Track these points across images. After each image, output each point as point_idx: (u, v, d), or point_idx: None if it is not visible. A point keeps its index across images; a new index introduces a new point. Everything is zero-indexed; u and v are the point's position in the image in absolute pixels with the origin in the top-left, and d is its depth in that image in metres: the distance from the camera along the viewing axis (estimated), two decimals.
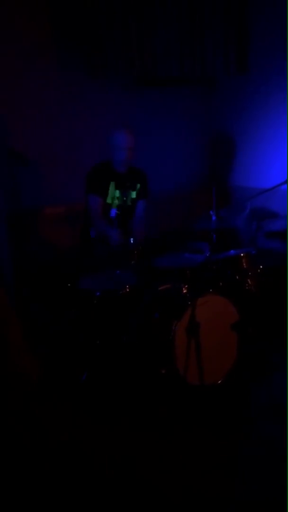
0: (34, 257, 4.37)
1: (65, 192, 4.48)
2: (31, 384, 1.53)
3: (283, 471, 2.32)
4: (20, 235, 4.14)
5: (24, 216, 4.22)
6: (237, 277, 3.14)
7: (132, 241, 3.28)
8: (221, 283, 3.21)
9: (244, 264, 3.22)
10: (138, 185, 3.83)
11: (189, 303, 2.86)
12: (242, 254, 3.24)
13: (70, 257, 4.23)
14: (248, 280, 3.20)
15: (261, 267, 3.34)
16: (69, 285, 3.38)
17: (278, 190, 4.29)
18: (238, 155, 5.29)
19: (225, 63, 4.82)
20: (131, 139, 3.66)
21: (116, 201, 3.74)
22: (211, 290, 3.14)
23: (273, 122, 4.80)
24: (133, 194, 3.81)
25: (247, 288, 3.17)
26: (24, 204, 4.19)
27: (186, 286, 3.06)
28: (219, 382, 2.96)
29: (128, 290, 3.14)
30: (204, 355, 2.84)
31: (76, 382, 3.19)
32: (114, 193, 3.72)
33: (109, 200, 3.72)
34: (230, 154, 5.40)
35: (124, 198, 3.75)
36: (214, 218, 3.92)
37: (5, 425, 2.77)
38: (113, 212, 3.48)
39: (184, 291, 3.02)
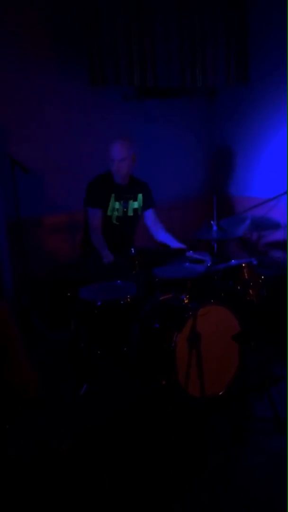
0: (35, 266, 4.37)
1: (66, 201, 4.49)
2: (30, 396, 1.51)
3: (284, 484, 2.30)
4: (21, 245, 4.14)
5: (25, 226, 4.22)
6: (239, 287, 3.12)
7: (133, 251, 3.28)
8: (222, 294, 3.20)
9: (246, 274, 3.20)
10: (140, 195, 3.82)
11: (190, 313, 2.85)
12: (243, 264, 3.22)
13: (71, 267, 4.23)
14: (250, 290, 3.17)
15: (262, 277, 3.32)
16: (69, 294, 3.35)
17: (279, 200, 4.30)
18: (239, 165, 5.30)
19: (226, 74, 4.84)
20: (123, 151, 3.65)
21: (116, 213, 3.73)
22: (212, 300, 3.13)
23: (274, 132, 4.82)
24: (135, 204, 3.81)
25: (248, 298, 3.15)
26: (24, 214, 4.19)
27: (187, 296, 3.04)
28: (220, 393, 2.94)
29: (129, 300, 3.12)
30: (205, 366, 2.83)
31: (75, 393, 3.18)
32: (114, 205, 3.72)
33: (109, 213, 3.72)
34: (231, 164, 5.41)
35: (125, 209, 3.75)
36: (215, 228, 3.92)
37: (5, 438, 2.74)
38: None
39: (185, 302, 3.00)
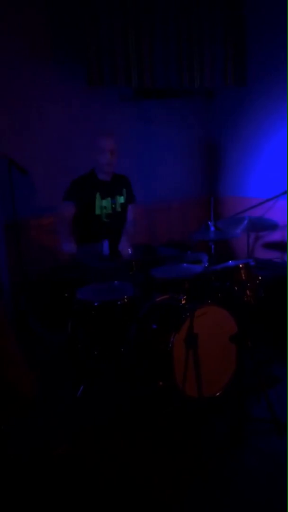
0: (32, 267, 4.36)
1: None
2: (26, 397, 1.50)
3: (283, 485, 2.29)
4: (18, 246, 4.13)
5: (22, 226, 4.21)
6: (236, 288, 3.12)
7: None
8: (219, 294, 3.19)
9: (243, 275, 3.20)
10: (124, 190, 3.81)
11: (188, 314, 2.84)
12: (240, 265, 3.22)
13: (68, 267, 4.21)
14: (247, 291, 3.17)
15: (260, 278, 3.32)
16: (66, 295, 3.35)
17: (276, 201, 4.30)
18: (237, 166, 5.30)
19: (223, 76, 4.85)
20: (114, 143, 3.66)
21: (105, 211, 3.71)
22: (209, 301, 3.12)
23: (271, 133, 4.82)
24: (121, 199, 3.79)
25: (245, 299, 3.15)
26: (22, 214, 4.18)
27: (185, 297, 3.04)
28: (218, 394, 2.93)
29: (126, 300, 3.12)
30: (202, 367, 2.82)
31: (73, 395, 3.17)
32: (101, 203, 3.69)
33: (97, 211, 3.68)
34: (228, 165, 5.41)
35: (113, 206, 3.74)
36: (212, 228, 3.92)
37: (2, 438, 2.74)
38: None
39: (183, 302, 3.00)
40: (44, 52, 4.34)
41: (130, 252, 3.24)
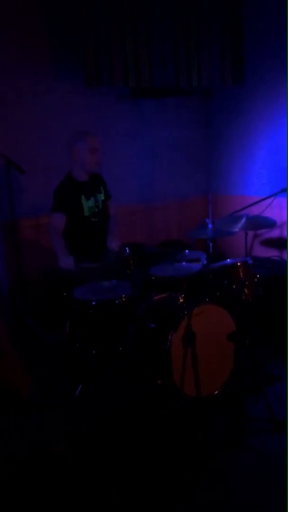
0: (30, 267, 4.35)
1: None
2: (21, 395, 1.50)
3: (283, 484, 2.28)
4: (16, 246, 4.12)
5: (20, 227, 4.20)
6: (234, 287, 3.11)
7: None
8: (217, 293, 3.18)
9: (241, 273, 3.19)
10: (101, 188, 3.83)
11: (185, 313, 2.83)
12: (239, 263, 3.21)
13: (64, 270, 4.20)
14: (245, 289, 3.16)
15: (258, 276, 3.31)
16: (64, 294, 3.34)
17: (274, 199, 4.30)
18: (235, 165, 5.30)
19: (221, 74, 4.84)
20: (100, 142, 3.69)
21: (92, 210, 3.71)
22: (207, 299, 3.12)
23: (269, 131, 4.81)
24: (102, 196, 3.81)
25: (244, 297, 3.14)
26: (19, 214, 4.17)
27: (183, 295, 3.03)
28: (216, 392, 2.93)
29: (124, 299, 3.11)
30: (200, 365, 2.81)
31: (71, 394, 3.17)
32: (87, 204, 3.69)
33: (86, 213, 3.67)
34: (226, 163, 5.41)
35: (97, 204, 3.75)
36: (210, 226, 3.92)
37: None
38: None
39: (181, 301, 2.99)
40: (41, 53, 4.33)
41: (117, 248, 3.24)
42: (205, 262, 3.74)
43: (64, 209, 3.62)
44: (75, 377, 3.27)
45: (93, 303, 3.10)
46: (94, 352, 3.13)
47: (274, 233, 4.79)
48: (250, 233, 4.94)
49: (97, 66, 4.17)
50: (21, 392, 1.45)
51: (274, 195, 4.27)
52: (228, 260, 3.34)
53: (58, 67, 4.41)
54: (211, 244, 4.10)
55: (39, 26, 4.28)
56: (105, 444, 2.73)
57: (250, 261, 3.27)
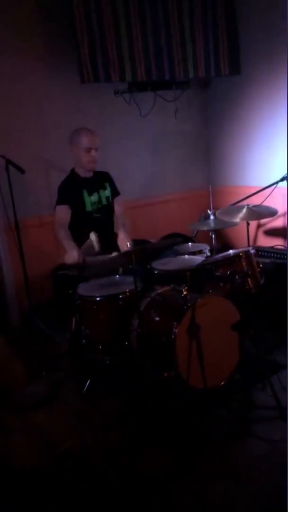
0: (34, 266, 4.37)
1: None
2: (18, 392, 1.52)
3: None
4: (20, 245, 4.14)
5: (23, 226, 4.21)
6: (237, 277, 3.11)
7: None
8: (221, 284, 3.18)
9: (244, 264, 3.19)
10: (107, 184, 3.85)
11: (189, 305, 2.84)
12: (241, 254, 3.21)
13: (71, 264, 4.22)
14: (248, 279, 3.16)
15: (261, 265, 3.31)
16: (70, 292, 3.35)
17: (275, 187, 4.28)
18: (235, 155, 5.29)
19: (217, 64, 4.83)
20: (97, 139, 3.71)
21: (95, 206, 3.75)
22: (210, 291, 3.12)
23: (268, 118, 4.79)
24: (106, 193, 3.83)
25: (247, 287, 3.14)
26: (22, 214, 4.19)
27: (186, 288, 3.03)
28: (222, 384, 2.93)
29: (128, 294, 3.12)
30: (206, 357, 2.83)
31: (79, 390, 3.19)
32: (90, 200, 3.73)
33: (88, 208, 3.72)
34: (226, 154, 5.40)
35: (100, 200, 3.78)
36: (212, 217, 3.92)
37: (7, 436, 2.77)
38: (93, 236, 3.40)
39: (184, 293, 2.99)
40: (37, 51, 4.34)
41: (129, 245, 3.24)
42: (208, 254, 3.74)
43: (67, 202, 3.67)
44: (82, 373, 3.29)
45: (97, 298, 3.12)
46: (100, 347, 3.15)
47: (278, 223, 4.78)
48: (254, 223, 4.94)
49: (92, 63, 4.18)
50: (15, 385, 1.46)
51: (275, 183, 4.25)
52: (231, 251, 3.33)
53: (54, 65, 4.41)
54: (213, 236, 4.10)
55: (33, 24, 4.29)
56: (113, 438, 2.74)
57: (252, 251, 3.27)
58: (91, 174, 3.81)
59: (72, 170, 3.83)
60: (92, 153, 3.67)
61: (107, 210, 3.83)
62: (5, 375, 1.41)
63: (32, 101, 4.37)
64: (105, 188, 3.83)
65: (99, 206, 3.78)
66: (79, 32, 4.08)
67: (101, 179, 3.85)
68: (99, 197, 3.78)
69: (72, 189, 3.72)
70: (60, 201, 3.71)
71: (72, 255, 3.36)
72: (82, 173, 3.79)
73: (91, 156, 3.67)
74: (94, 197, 3.75)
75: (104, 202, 3.81)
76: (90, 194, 3.73)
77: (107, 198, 3.83)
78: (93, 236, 3.35)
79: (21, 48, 4.25)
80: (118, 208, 3.91)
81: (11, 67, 4.23)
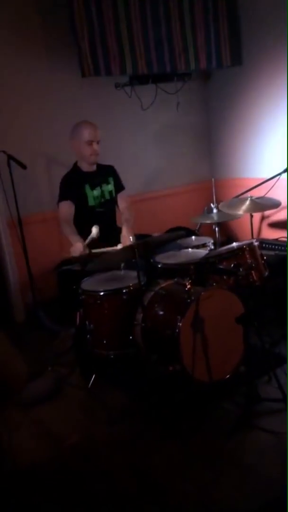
0: (38, 262, 4.37)
1: None
2: (18, 387, 1.51)
3: None
4: (23, 241, 4.13)
5: (26, 222, 4.20)
6: (241, 270, 3.09)
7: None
8: (224, 277, 3.17)
9: (248, 256, 3.18)
10: (111, 178, 3.82)
11: (193, 298, 2.83)
12: (245, 246, 3.20)
13: (75, 260, 4.22)
14: (252, 272, 3.15)
15: (265, 258, 3.29)
16: (74, 287, 3.35)
17: (278, 179, 4.26)
18: (237, 147, 5.26)
19: (219, 55, 4.79)
20: (98, 132, 3.67)
21: (97, 200, 3.72)
22: (214, 284, 3.12)
23: (270, 109, 4.76)
24: (109, 187, 3.80)
25: (251, 280, 3.13)
26: (25, 210, 4.18)
27: (190, 281, 3.03)
28: (227, 377, 2.93)
29: (132, 288, 3.12)
30: (210, 350, 2.82)
31: (84, 385, 3.20)
32: (92, 194, 3.70)
33: (91, 203, 3.69)
34: (229, 146, 5.37)
35: (103, 194, 3.76)
36: (215, 210, 3.90)
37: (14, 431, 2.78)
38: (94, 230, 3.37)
39: (188, 287, 2.99)
40: (36, 46, 4.32)
41: (132, 240, 3.24)
42: (212, 247, 3.73)
43: (70, 197, 3.64)
44: (87, 368, 3.29)
45: (101, 293, 3.11)
46: (104, 342, 3.15)
47: (282, 215, 4.76)
48: (258, 216, 4.92)
49: (92, 56, 4.15)
50: (15, 380, 1.45)
51: (278, 175, 4.22)
52: (234, 243, 3.32)
53: (54, 60, 4.40)
54: (216, 229, 4.09)
55: (33, 19, 4.27)
56: (119, 432, 2.75)
57: (256, 243, 3.25)
58: (94, 168, 3.78)
59: (75, 164, 3.80)
60: (93, 146, 3.63)
61: (110, 204, 3.81)
62: (5, 370, 1.41)
63: (32, 96, 4.35)
64: (108, 183, 3.81)
65: (102, 200, 3.75)
66: (78, 25, 4.06)
67: (105, 173, 3.82)
68: (102, 192, 3.76)
69: (74, 183, 3.70)
70: (62, 197, 3.68)
71: (77, 247, 3.34)
72: (85, 167, 3.76)
73: (92, 149, 3.63)
74: (96, 192, 3.73)
75: (107, 196, 3.79)
76: (92, 188, 3.71)
77: (110, 192, 3.81)
78: (95, 230, 3.33)
79: (20, 42, 4.23)
80: (122, 203, 3.88)
81: (11, 62, 4.22)
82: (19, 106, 4.30)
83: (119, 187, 3.88)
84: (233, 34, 4.81)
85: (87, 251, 3.31)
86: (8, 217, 4.21)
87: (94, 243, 3.41)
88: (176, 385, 2.97)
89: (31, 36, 4.28)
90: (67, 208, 3.65)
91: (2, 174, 4.03)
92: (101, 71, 4.23)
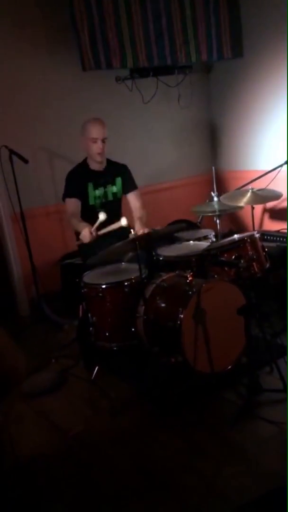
0: (41, 256, 4.40)
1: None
2: (17, 379, 1.53)
3: None
4: (26, 235, 4.16)
5: (28, 216, 4.23)
6: (242, 261, 3.11)
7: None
8: (226, 269, 3.19)
9: (249, 248, 3.19)
10: (119, 179, 3.73)
11: (194, 290, 2.85)
12: (246, 238, 3.21)
13: (77, 253, 4.25)
14: (254, 263, 3.16)
15: (266, 249, 3.31)
16: (77, 280, 3.38)
17: (280, 171, 4.26)
18: (238, 139, 5.25)
19: (220, 48, 4.78)
20: (105, 130, 3.59)
21: (98, 200, 3.67)
22: (216, 276, 3.13)
23: (272, 102, 4.75)
24: (114, 189, 3.73)
25: (252, 272, 3.14)
26: (27, 204, 4.20)
27: (191, 273, 3.04)
28: (229, 368, 2.95)
29: (133, 281, 3.14)
30: (212, 342, 2.84)
31: (87, 377, 3.23)
32: (94, 194, 3.65)
33: (91, 202, 3.65)
34: (229, 138, 5.37)
35: (105, 195, 3.70)
36: (215, 199, 3.90)
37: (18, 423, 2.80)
38: (102, 216, 3.33)
39: (189, 279, 3.00)
40: (37, 41, 4.32)
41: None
42: (213, 239, 3.74)
43: (76, 194, 3.61)
44: (90, 360, 3.32)
45: (103, 286, 3.13)
46: (107, 334, 3.17)
47: (283, 206, 4.76)
48: (259, 208, 4.92)
49: (93, 50, 4.15)
50: (14, 373, 1.47)
51: (279, 166, 4.23)
52: (236, 235, 3.33)
53: (54, 54, 4.40)
54: (218, 221, 4.09)
55: (33, 13, 4.27)
56: (121, 424, 2.77)
57: (257, 235, 3.26)
58: (102, 167, 3.70)
59: (84, 160, 3.73)
60: (98, 144, 3.55)
61: (111, 206, 3.72)
62: (4, 363, 1.42)
63: (33, 90, 4.36)
64: (114, 184, 3.73)
65: (103, 201, 3.70)
66: (78, 19, 4.06)
67: (113, 174, 3.73)
68: (105, 192, 3.70)
69: (78, 179, 3.65)
70: (67, 194, 3.65)
71: (86, 233, 3.33)
72: (93, 165, 3.68)
73: (97, 146, 3.56)
74: (99, 191, 3.67)
75: (110, 197, 3.72)
76: (95, 187, 3.66)
77: (114, 194, 3.74)
78: (102, 215, 3.30)
79: (20, 36, 4.23)
80: (134, 202, 3.78)
81: (11, 57, 4.22)
82: (20, 101, 4.31)
83: (130, 186, 3.78)
84: (234, 26, 4.79)
85: (95, 235, 3.31)
86: (11, 211, 4.23)
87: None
88: (178, 376, 3.00)
89: (31, 30, 4.27)
90: (73, 205, 3.62)
91: (4, 168, 4.04)
92: (101, 65, 4.23)
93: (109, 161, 3.74)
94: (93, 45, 4.15)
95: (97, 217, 3.32)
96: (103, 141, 3.57)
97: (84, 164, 3.72)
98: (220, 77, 5.28)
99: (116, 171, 3.75)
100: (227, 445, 2.48)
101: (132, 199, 3.79)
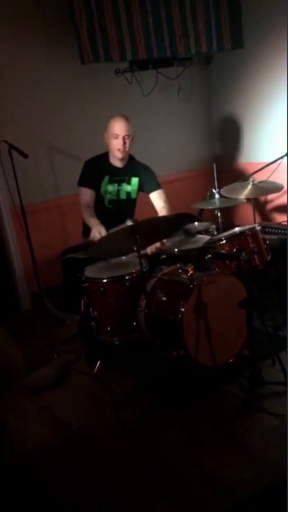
0: (42, 250, 4.40)
1: (68, 184, 4.48)
2: (13, 375, 1.53)
3: None
4: (26, 230, 4.16)
5: (29, 211, 4.22)
6: (243, 254, 3.10)
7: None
8: (227, 262, 3.18)
9: (250, 241, 3.18)
10: (136, 179, 3.69)
11: (195, 283, 2.84)
12: (247, 231, 3.20)
13: (79, 248, 4.24)
14: (255, 256, 3.15)
15: (267, 242, 3.30)
16: (79, 275, 3.37)
17: (281, 163, 4.24)
18: (239, 132, 5.23)
19: (220, 39, 4.75)
20: (129, 127, 3.54)
21: (109, 196, 3.65)
22: (216, 269, 3.12)
23: (272, 94, 4.73)
24: (128, 188, 3.69)
25: (253, 264, 3.14)
26: (27, 199, 4.19)
27: (192, 267, 3.03)
28: (231, 361, 2.95)
29: (134, 275, 3.13)
30: (213, 335, 2.84)
31: (89, 371, 3.23)
32: (106, 187, 3.62)
33: (102, 194, 3.63)
34: (230, 131, 5.34)
35: (118, 192, 3.67)
36: (217, 195, 3.89)
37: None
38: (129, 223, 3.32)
39: (190, 272, 2.99)
40: (36, 35, 4.30)
41: (165, 241, 3.24)
42: (214, 232, 3.73)
43: (90, 185, 3.58)
44: (92, 354, 3.32)
45: (104, 280, 3.13)
46: (108, 328, 3.17)
47: (285, 199, 4.74)
48: (261, 200, 4.90)
49: (92, 43, 4.13)
50: (10, 368, 1.47)
51: (280, 158, 4.21)
52: (236, 228, 3.32)
53: (53, 48, 4.38)
54: (219, 214, 4.08)
55: (31, 7, 4.24)
56: (124, 417, 2.78)
57: (258, 228, 3.25)
58: (122, 164, 3.65)
59: (106, 152, 3.66)
60: (119, 140, 3.50)
61: (122, 205, 3.69)
62: (1, 359, 1.42)
63: (32, 84, 4.34)
64: (129, 183, 3.68)
65: (114, 198, 3.66)
66: (77, 11, 4.03)
67: (131, 173, 3.67)
68: (118, 190, 3.66)
69: (95, 169, 3.60)
70: (82, 181, 3.61)
71: (95, 232, 3.33)
72: (113, 160, 3.63)
73: (117, 142, 3.51)
74: (112, 187, 3.63)
75: (123, 196, 3.68)
76: (110, 182, 3.62)
77: (128, 193, 3.69)
78: (129, 223, 3.26)
79: (19, 30, 4.21)
80: (157, 202, 3.71)
81: (10, 52, 4.20)
82: (19, 95, 4.30)
83: (152, 186, 3.70)
84: (234, 17, 4.75)
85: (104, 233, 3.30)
86: (11, 206, 4.23)
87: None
88: (179, 370, 3.00)
89: (29, 24, 4.25)
90: (87, 195, 3.59)
91: (4, 163, 4.04)
92: (100, 58, 4.20)
93: (131, 160, 3.70)
94: (92, 38, 4.12)
95: (105, 213, 3.29)
96: (125, 138, 3.53)
97: (105, 156, 3.67)
98: (220, 69, 5.25)
99: (135, 170, 3.69)
100: (229, 438, 2.49)
101: (155, 199, 3.72)
